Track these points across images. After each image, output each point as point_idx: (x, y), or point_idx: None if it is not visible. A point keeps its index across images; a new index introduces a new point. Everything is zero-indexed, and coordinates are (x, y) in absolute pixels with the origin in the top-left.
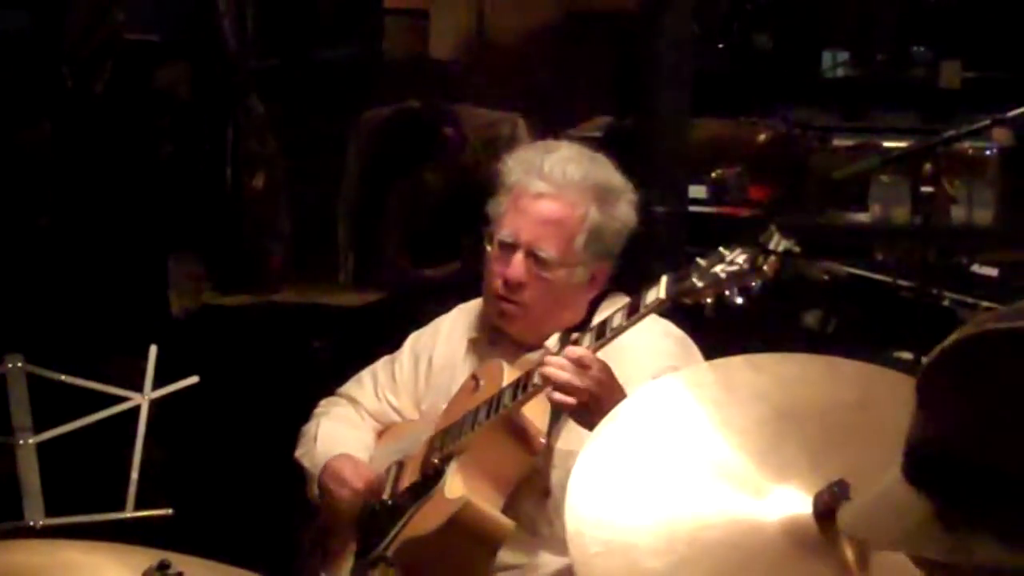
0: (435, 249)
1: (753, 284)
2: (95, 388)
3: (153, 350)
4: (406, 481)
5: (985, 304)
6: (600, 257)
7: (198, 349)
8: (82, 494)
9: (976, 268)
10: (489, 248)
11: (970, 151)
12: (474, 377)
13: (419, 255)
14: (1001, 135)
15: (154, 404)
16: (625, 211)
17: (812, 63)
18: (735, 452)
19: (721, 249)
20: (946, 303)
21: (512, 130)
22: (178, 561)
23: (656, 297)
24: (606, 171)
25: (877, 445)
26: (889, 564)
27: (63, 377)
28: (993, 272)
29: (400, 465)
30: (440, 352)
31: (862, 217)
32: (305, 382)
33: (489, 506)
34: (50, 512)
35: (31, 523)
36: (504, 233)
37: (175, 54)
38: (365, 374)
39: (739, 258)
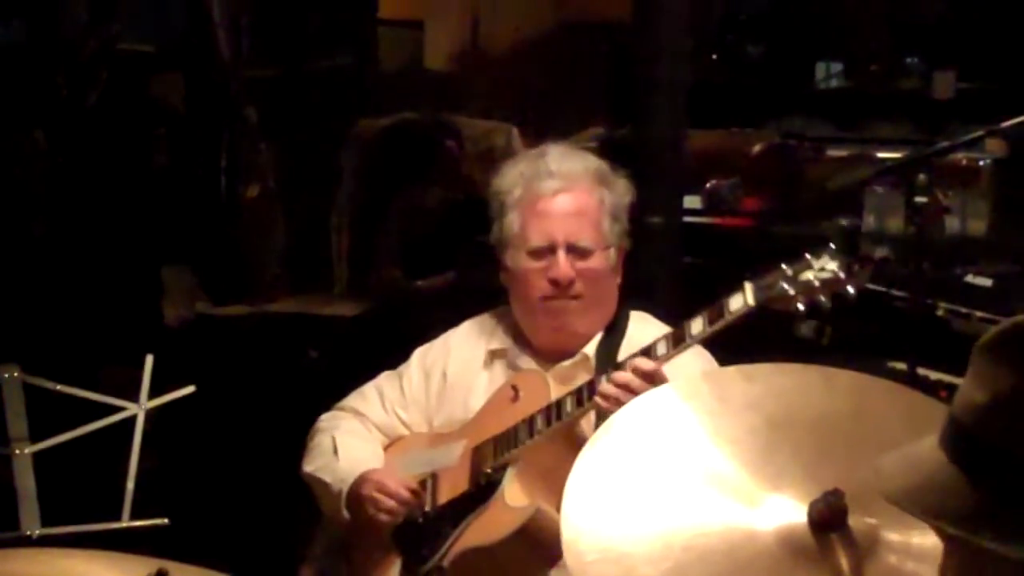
0: (429, 260)
1: (848, 290)
2: (91, 398)
3: (149, 360)
4: (446, 493)
5: (979, 314)
6: (621, 236)
7: (193, 359)
8: (78, 504)
9: (970, 278)
10: (516, 264)
11: (964, 162)
12: (513, 387)
13: (412, 266)
14: (995, 146)
15: (150, 414)
16: (625, 185)
17: (806, 74)
18: (729, 461)
19: (807, 256)
20: (940, 313)
21: (507, 140)
22: (175, 570)
23: (743, 303)
24: (595, 158)
25: (871, 454)
26: (883, 573)
27: (59, 387)
28: (987, 282)
29: (435, 477)
30: (454, 366)
31: None
32: (300, 392)
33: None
34: (46, 522)
35: (27, 533)
36: (535, 240)
37: (170, 65)
38: (368, 388)
39: (830, 264)
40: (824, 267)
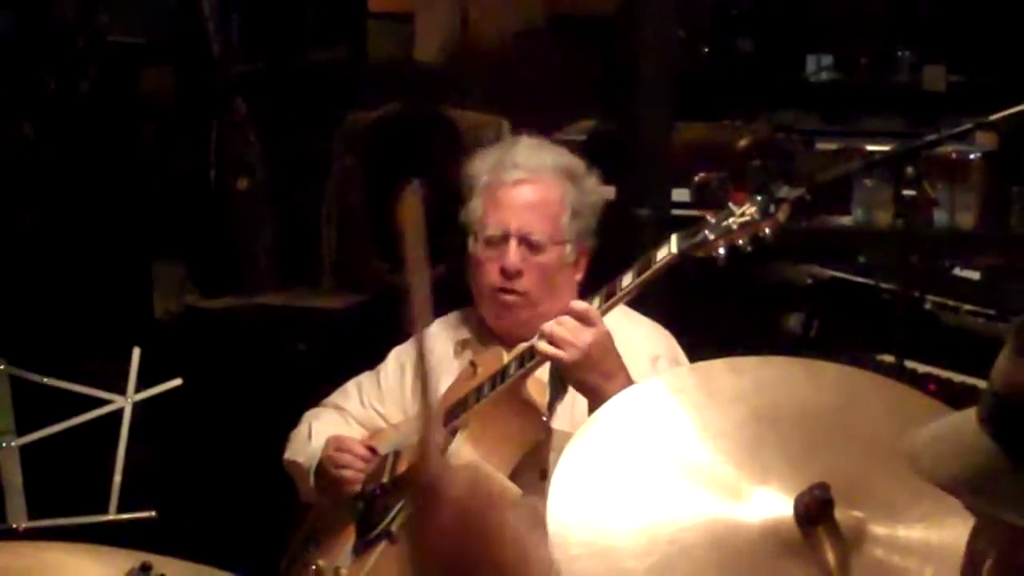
0: None
1: (766, 231)
2: (78, 391)
3: (136, 352)
4: (403, 466)
5: (967, 307)
6: (583, 235)
7: (181, 352)
8: (65, 497)
9: (958, 271)
10: (474, 250)
11: (953, 155)
12: (472, 364)
13: (401, 259)
14: (985, 139)
15: (137, 406)
16: (595, 186)
17: (796, 67)
18: (716, 455)
19: (731, 205)
20: (928, 306)
21: (497, 133)
22: (160, 563)
23: (667, 252)
24: (567, 155)
25: (858, 448)
26: (869, 567)
27: (46, 380)
28: (975, 275)
29: (397, 454)
30: None
31: (845, 220)
32: (288, 385)
33: (497, 472)
34: (33, 514)
35: (14, 525)
36: (491, 229)
37: (159, 57)
38: (350, 385)
39: (749, 209)
40: (744, 212)
